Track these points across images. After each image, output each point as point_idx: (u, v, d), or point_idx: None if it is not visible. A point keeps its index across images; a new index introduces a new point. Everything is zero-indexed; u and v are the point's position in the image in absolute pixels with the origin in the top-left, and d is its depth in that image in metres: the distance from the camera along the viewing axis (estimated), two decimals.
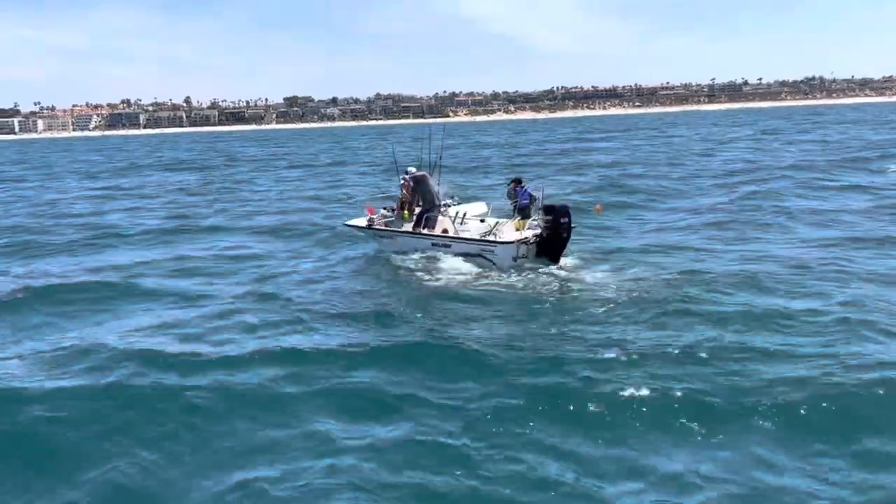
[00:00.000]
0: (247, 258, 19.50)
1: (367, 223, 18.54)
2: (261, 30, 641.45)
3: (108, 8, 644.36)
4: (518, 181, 17.77)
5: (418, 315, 13.25)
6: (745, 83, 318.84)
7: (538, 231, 16.27)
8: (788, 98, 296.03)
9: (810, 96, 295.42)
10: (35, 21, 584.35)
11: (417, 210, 17.91)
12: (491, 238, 16.13)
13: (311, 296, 14.87)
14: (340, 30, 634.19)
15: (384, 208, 19.28)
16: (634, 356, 10.46)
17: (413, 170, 18.40)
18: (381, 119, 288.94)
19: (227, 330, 12.64)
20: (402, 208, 17.99)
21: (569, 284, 14.96)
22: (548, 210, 16.05)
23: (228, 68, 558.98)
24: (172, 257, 19.78)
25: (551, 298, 14.03)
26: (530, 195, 17.28)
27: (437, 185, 18.27)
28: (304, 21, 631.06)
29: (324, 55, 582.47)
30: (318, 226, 24.52)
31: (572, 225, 16.09)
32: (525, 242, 16.03)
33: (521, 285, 15.00)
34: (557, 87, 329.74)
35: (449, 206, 17.99)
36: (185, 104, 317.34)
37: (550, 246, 16.04)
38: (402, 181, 18.31)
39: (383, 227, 18.22)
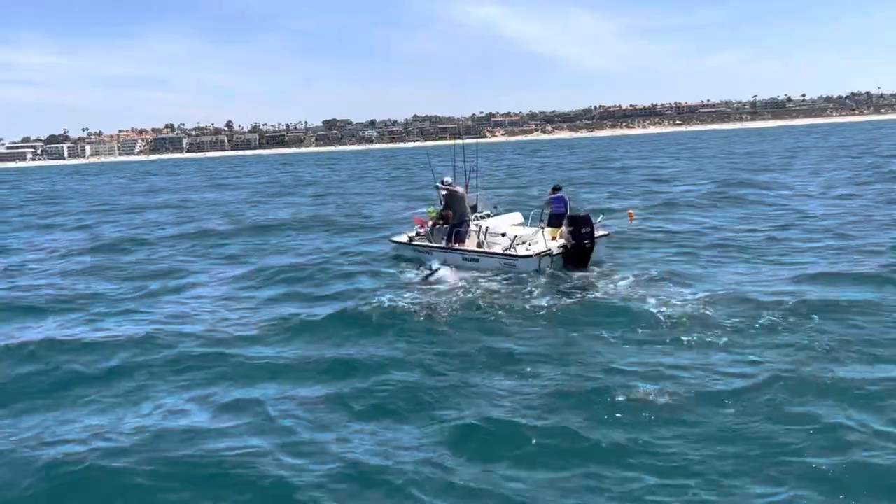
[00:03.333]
0: None
1: (407, 239, 18.67)
2: (300, 56, 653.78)
3: (152, 38, 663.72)
4: (557, 188, 17.73)
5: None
6: (789, 99, 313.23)
7: (562, 242, 16.10)
8: (834, 114, 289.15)
9: (857, 112, 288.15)
10: (84, 51, 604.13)
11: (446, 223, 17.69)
12: (511, 252, 16.02)
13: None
14: (378, 53, 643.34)
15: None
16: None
17: (449, 179, 18.13)
18: (418, 141, 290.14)
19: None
20: (440, 220, 17.83)
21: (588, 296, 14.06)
22: (570, 221, 16.01)
23: (269, 93, 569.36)
24: None
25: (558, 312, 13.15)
26: (566, 203, 17.16)
27: (473, 199, 18.27)
28: (341, 46, 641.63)
29: (362, 78, 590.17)
30: None
31: (596, 234, 15.95)
32: (548, 254, 15.82)
33: (544, 302, 13.96)
34: (595, 106, 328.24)
35: (480, 217, 17.81)
36: (226, 128, 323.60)
37: (575, 256, 15.95)
38: (438, 188, 18.28)
39: (419, 243, 18.21)
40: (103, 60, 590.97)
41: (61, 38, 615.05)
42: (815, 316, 11.74)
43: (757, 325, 11.49)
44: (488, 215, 18.21)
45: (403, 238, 18.91)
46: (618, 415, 8.42)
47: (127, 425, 8.80)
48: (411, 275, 17.10)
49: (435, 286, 15.62)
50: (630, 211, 18.16)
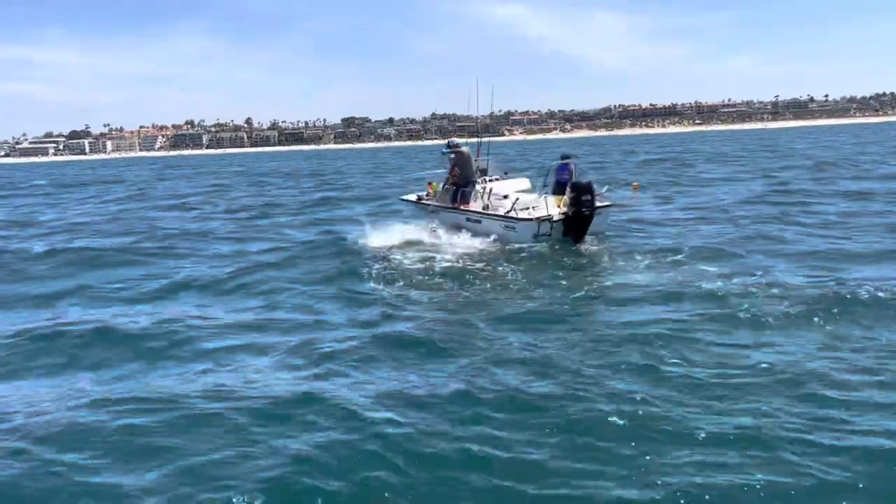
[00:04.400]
0: None
1: (416, 198, 19.59)
2: (319, 54, 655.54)
3: (174, 36, 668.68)
4: (565, 157, 17.81)
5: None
6: (811, 100, 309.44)
7: (564, 209, 16.08)
8: (857, 115, 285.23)
9: (881, 113, 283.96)
10: (106, 49, 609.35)
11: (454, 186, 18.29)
12: (513, 215, 16.02)
13: None
14: (398, 52, 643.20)
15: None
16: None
17: (455, 140, 18.75)
18: (436, 138, 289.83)
19: None
20: (450, 182, 18.31)
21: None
22: (573, 188, 15.82)
23: (288, 90, 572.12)
24: None
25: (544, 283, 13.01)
26: (571, 171, 17.17)
27: (479, 162, 18.62)
28: (362, 45, 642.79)
29: (381, 77, 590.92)
30: None
31: (596, 204, 15.76)
32: (548, 220, 15.76)
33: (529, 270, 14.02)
34: (615, 105, 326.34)
35: (486, 181, 17.95)
36: (246, 125, 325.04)
37: (574, 224, 15.76)
38: (444, 153, 18.83)
39: (427, 202, 18.89)
40: (125, 58, 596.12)
41: (84, 37, 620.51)
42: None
43: None
44: (497, 179, 18.28)
45: (412, 197, 19.93)
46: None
47: None
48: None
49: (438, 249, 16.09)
50: (635, 183, 18.79)
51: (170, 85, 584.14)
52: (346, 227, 20.75)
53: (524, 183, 18.56)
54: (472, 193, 17.50)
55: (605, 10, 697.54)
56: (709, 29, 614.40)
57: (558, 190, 16.88)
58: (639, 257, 14.71)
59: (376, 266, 14.59)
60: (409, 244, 16.68)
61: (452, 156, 18.10)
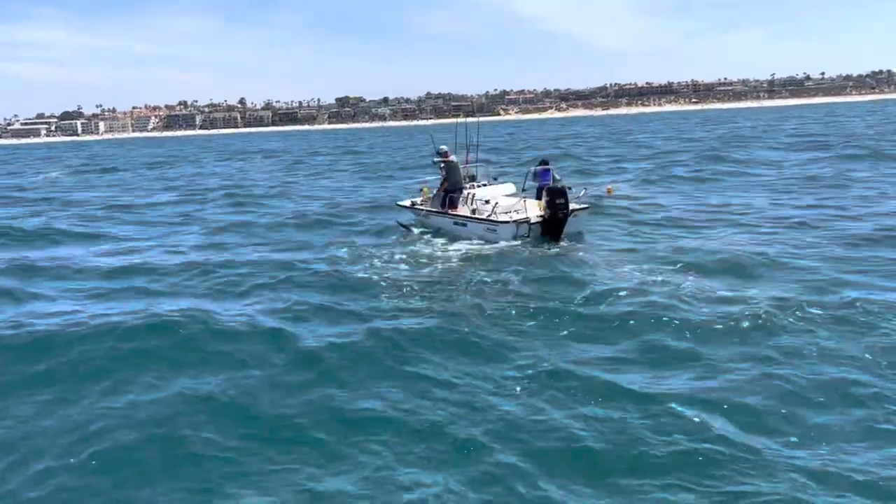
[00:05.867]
0: None
1: (410, 203, 20.81)
2: (313, 32, 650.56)
3: (167, 15, 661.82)
4: (544, 162, 19.00)
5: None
6: (808, 78, 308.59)
7: (541, 212, 17.21)
8: (854, 93, 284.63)
9: (877, 90, 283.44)
10: (99, 28, 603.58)
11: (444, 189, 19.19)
12: (493, 218, 17.20)
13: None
14: (392, 30, 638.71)
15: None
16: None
17: (445, 148, 19.55)
18: (431, 118, 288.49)
19: None
20: (441, 189, 19.38)
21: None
22: (548, 192, 16.92)
23: (281, 70, 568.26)
24: None
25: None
26: (553, 177, 18.25)
27: (468, 168, 19.78)
28: (355, 22, 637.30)
29: (375, 55, 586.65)
30: None
31: (570, 206, 16.87)
32: (526, 222, 16.93)
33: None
34: (611, 84, 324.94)
35: (474, 186, 19.12)
36: (239, 105, 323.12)
37: (550, 226, 16.89)
38: (434, 162, 19.91)
39: (420, 207, 19.98)
40: (118, 38, 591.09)
41: (77, 16, 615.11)
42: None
43: None
44: (484, 185, 19.58)
45: (407, 202, 21.25)
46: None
47: None
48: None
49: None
50: (608, 186, 20.53)
51: (163, 64, 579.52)
52: None
53: (509, 188, 19.59)
54: (460, 199, 18.68)
55: None
56: (706, 6, 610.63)
57: (540, 195, 17.85)
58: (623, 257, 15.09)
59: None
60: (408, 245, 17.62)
61: (442, 164, 19.23)
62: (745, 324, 10.02)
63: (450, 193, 18.89)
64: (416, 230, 19.21)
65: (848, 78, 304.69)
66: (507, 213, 17.36)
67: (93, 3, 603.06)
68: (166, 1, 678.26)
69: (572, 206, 17.02)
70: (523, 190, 19.02)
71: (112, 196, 34.39)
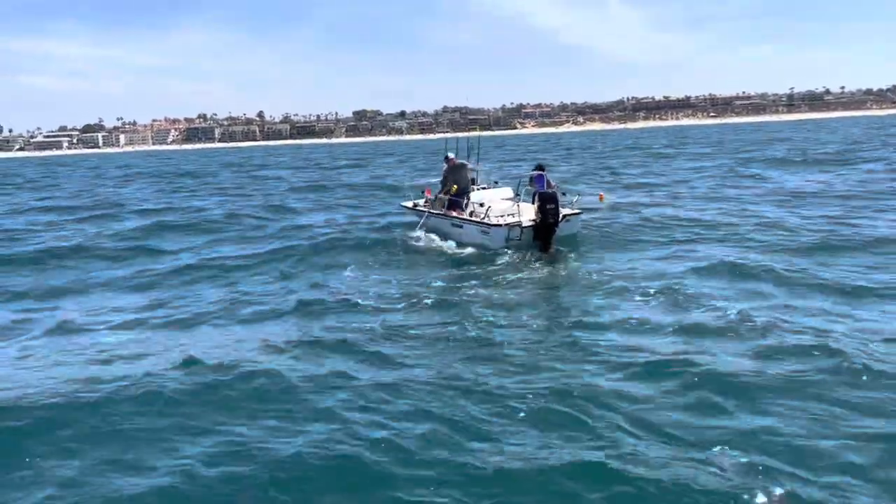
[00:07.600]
0: None
1: (412, 204, 21.49)
2: (331, 46, 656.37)
3: (187, 29, 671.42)
4: (539, 167, 18.81)
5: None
6: (827, 92, 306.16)
7: (534, 217, 17.28)
8: (874, 107, 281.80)
9: None
10: (120, 42, 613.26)
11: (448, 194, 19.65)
12: (486, 221, 17.46)
13: None
14: (410, 44, 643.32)
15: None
16: None
17: (451, 155, 20.13)
18: (448, 132, 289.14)
19: None
20: (444, 192, 19.90)
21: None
22: (539, 197, 16.92)
23: (300, 83, 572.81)
24: None
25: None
26: (548, 182, 18.13)
27: (473, 173, 20.22)
28: (374, 37, 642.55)
29: (393, 69, 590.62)
30: None
31: (561, 212, 16.92)
32: (518, 226, 17.06)
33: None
34: (628, 98, 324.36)
35: (473, 189, 19.52)
36: (258, 118, 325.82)
37: (540, 231, 16.85)
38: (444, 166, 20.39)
39: (422, 208, 20.41)
40: (138, 51, 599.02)
41: (98, 30, 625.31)
42: None
43: None
44: (483, 188, 20.00)
45: (410, 203, 21.96)
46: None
47: None
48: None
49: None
50: (601, 193, 20.87)
51: (183, 77, 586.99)
52: None
53: (507, 192, 19.78)
54: (460, 202, 19.05)
55: (620, 0, 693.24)
56: (724, 19, 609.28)
57: (535, 200, 18.11)
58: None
59: None
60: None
61: (444, 168, 19.97)
62: (736, 323, 10.05)
63: (454, 197, 19.29)
64: (419, 232, 19.35)
65: (868, 92, 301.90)
66: (500, 216, 17.61)
67: (115, 17, 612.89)
68: (190, 14, 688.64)
69: (564, 211, 17.21)
70: (517, 195, 19.24)
71: None
